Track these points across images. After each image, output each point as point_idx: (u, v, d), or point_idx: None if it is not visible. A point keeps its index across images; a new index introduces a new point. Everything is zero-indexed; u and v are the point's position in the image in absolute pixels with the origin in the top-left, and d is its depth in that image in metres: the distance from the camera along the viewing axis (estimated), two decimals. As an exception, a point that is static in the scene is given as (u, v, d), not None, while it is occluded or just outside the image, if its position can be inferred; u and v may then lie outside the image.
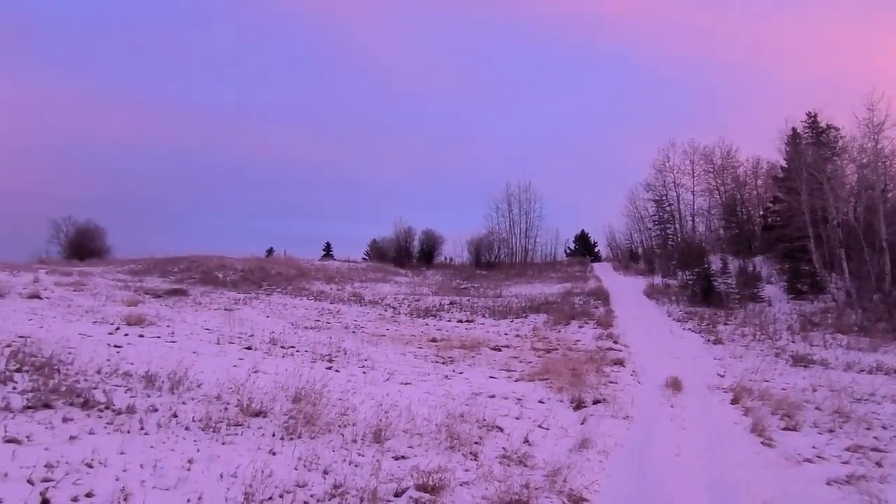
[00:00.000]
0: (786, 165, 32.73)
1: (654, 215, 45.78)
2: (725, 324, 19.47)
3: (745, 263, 30.57)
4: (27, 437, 4.36)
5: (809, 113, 33.14)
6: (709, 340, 16.88)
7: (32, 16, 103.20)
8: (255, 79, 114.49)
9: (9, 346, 7.26)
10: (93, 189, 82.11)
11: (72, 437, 4.51)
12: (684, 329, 18.96)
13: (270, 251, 46.07)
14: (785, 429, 7.95)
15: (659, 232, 45.40)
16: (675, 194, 44.79)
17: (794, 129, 32.95)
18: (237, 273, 28.09)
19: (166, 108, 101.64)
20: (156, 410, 5.60)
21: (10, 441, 4.22)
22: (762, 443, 7.26)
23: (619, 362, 13.20)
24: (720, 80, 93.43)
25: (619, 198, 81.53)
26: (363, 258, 49.68)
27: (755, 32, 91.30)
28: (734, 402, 9.68)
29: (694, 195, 44.29)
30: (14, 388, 5.44)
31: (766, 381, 11.58)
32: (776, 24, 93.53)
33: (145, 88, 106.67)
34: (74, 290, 16.45)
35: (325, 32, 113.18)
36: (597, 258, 51.57)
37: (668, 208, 44.76)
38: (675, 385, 10.65)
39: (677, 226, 44.27)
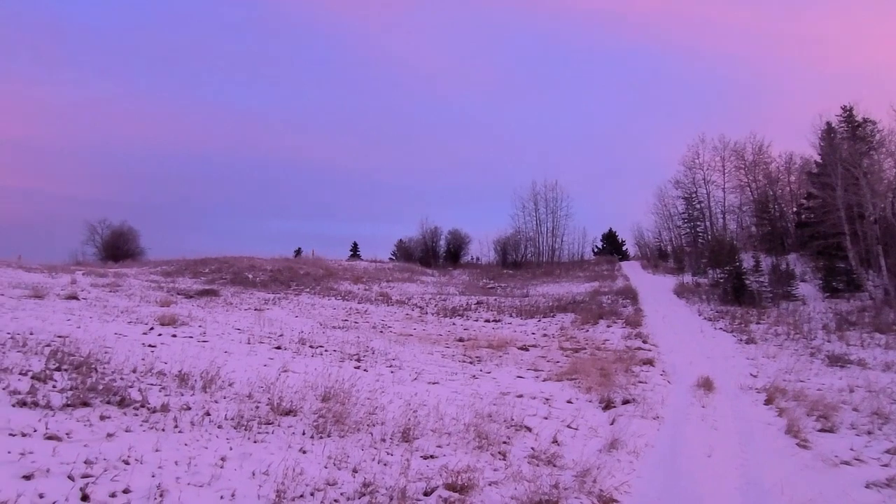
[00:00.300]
0: (820, 161, 31.91)
1: (683, 213, 44.98)
2: (758, 323, 19.07)
3: (778, 261, 29.89)
4: (67, 434, 4.48)
5: (844, 107, 32.22)
6: (741, 340, 16.57)
7: (68, 22, 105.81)
8: (284, 82, 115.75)
9: (48, 345, 7.47)
10: (126, 192, 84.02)
11: (109, 435, 4.63)
12: (715, 328, 18.64)
13: (298, 252, 46.54)
14: (821, 430, 7.78)
15: (689, 230, 44.60)
16: (704, 191, 43.96)
17: (828, 124, 32.05)
18: (266, 273, 28.44)
19: (198, 112, 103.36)
20: (189, 409, 5.71)
21: (50, 438, 4.34)
22: (797, 444, 7.11)
23: (649, 362, 13.04)
24: (752, 75, 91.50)
25: (647, 195, 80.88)
26: (390, 258, 49.89)
27: (788, 26, 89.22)
28: (768, 402, 9.50)
29: (724, 192, 43.45)
30: (54, 387, 5.60)
31: (801, 382, 11.33)
32: (809, 17, 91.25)
33: (177, 93, 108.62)
34: (110, 291, 16.85)
35: (349, 35, 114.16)
36: (625, 257, 50.95)
37: (697, 206, 43.96)
38: (706, 385, 10.48)
39: (707, 223, 43.47)
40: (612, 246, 54.18)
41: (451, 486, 4.69)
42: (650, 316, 20.78)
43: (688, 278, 31.70)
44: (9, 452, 3.92)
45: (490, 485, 4.95)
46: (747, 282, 25.25)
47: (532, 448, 6.27)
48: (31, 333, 8.20)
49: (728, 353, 14.89)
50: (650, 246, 49.21)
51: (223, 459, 4.57)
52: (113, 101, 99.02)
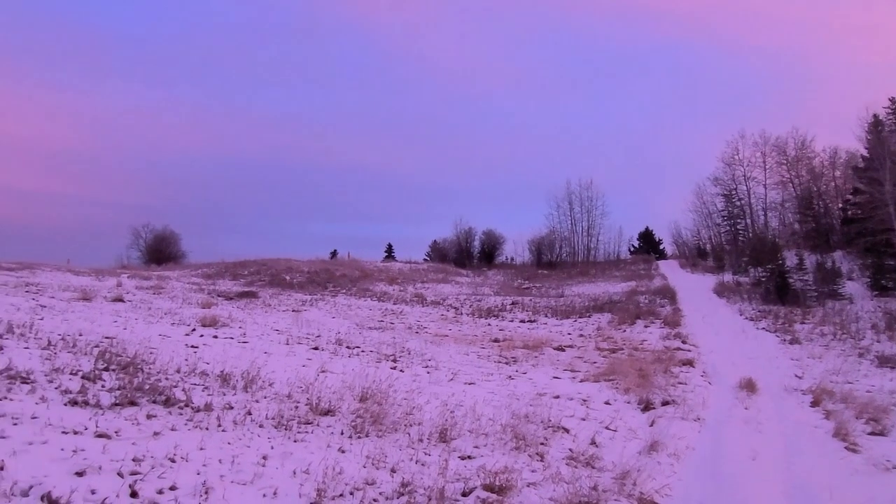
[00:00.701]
0: (867, 154, 30.85)
1: (722, 210, 44.01)
2: (802, 323, 18.52)
3: (824, 259, 28.97)
4: (116, 432, 4.63)
5: (893, 98, 31.09)
6: (784, 340, 16.13)
7: (111, 33, 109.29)
8: (317, 86, 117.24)
9: (97, 346, 7.72)
10: (169, 197, 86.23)
11: (155, 433, 4.76)
12: (758, 328, 18.19)
13: (334, 253, 47.14)
14: (871, 433, 7.54)
15: (728, 227, 43.61)
16: (745, 188, 42.96)
17: (875, 116, 31.00)
18: (303, 275, 28.87)
19: (236, 117, 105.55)
20: (231, 408, 5.84)
21: (100, 436, 4.49)
22: (846, 448, 6.91)
23: (689, 363, 12.81)
24: (795, 68, 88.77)
25: (685, 193, 78.93)
26: (424, 259, 50.09)
27: (833, 15, 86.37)
28: (814, 404, 9.24)
29: (766, 188, 42.38)
30: (103, 386, 5.79)
31: (849, 383, 10.99)
32: (857, 6, 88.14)
33: (216, 99, 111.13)
34: (154, 294, 17.32)
35: (380, 36, 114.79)
36: (662, 256, 50.07)
37: (737, 203, 42.96)
38: (749, 386, 10.24)
39: (748, 221, 42.42)
40: (648, 245, 53.34)
41: (488, 487, 4.68)
42: (689, 316, 20.39)
43: (728, 277, 30.97)
44: (62, 450, 4.06)
45: (528, 486, 4.93)
46: (790, 280, 24.55)
47: (570, 449, 6.22)
48: (81, 335, 8.49)
49: (771, 353, 14.53)
50: (688, 244, 48.27)
51: (265, 458, 4.65)
52: (155, 110, 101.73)
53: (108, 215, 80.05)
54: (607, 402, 8.85)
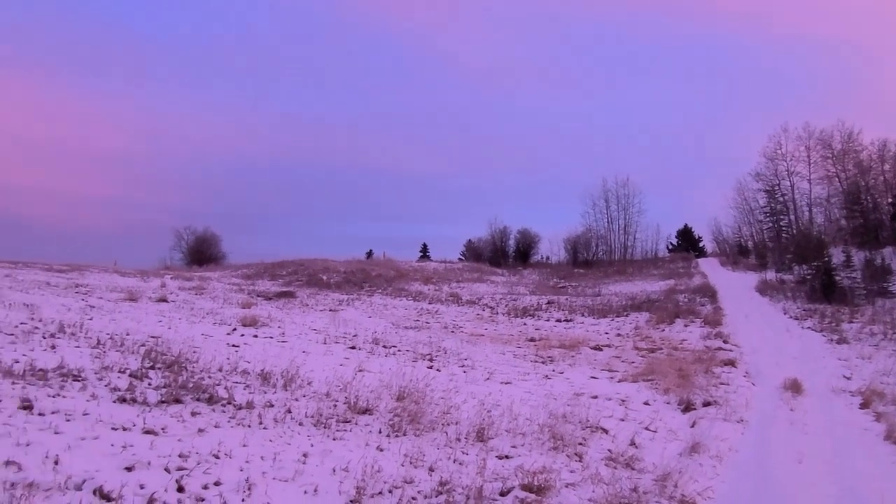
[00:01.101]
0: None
1: (765, 207, 42.82)
2: (850, 322, 17.89)
3: (873, 256, 27.94)
4: (162, 428, 4.78)
5: (946, 87, 29.80)
6: (831, 340, 15.59)
7: (152, 40, 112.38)
8: (352, 88, 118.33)
9: (143, 345, 7.98)
10: (210, 199, 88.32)
11: (200, 430, 4.90)
12: (803, 328, 17.63)
13: (370, 253, 47.59)
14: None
15: (771, 224, 42.44)
16: (788, 183, 41.76)
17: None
18: (340, 275, 29.22)
19: (272, 119, 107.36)
20: (272, 406, 5.97)
21: (148, 432, 4.64)
22: (899, 452, 6.66)
23: (731, 363, 12.51)
24: (839, 59, 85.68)
25: (725, 189, 76.84)
26: (459, 258, 50.11)
27: (879, 2, 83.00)
28: (864, 406, 8.93)
29: (810, 183, 41.14)
30: (149, 384, 5.99)
31: (902, 385, 10.58)
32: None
33: (253, 102, 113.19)
34: (196, 294, 17.76)
35: (413, 37, 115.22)
36: (702, 253, 49.07)
37: (780, 199, 41.77)
38: (794, 387, 9.95)
39: (792, 217, 41.23)
40: (687, 243, 52.35)
41: (527, 487, 4.66)
42: (731, 315, 19.90)
43: (771, 275, 30.17)
44: (112, 445, 4.21)
45: (567, 486, 4.90)
46: (837, 278, 23.79)
47: (609, 450, 6.15)
48: (128, 334, 8.77)
49: (817, 353, 14.07)
50: (729, 242, 47.21)
51: (305, 455, 4.73)
52: (194, 114, 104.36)
53: (152, 217, 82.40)
54: (646, 403, 8.72)
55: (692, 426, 7.54)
